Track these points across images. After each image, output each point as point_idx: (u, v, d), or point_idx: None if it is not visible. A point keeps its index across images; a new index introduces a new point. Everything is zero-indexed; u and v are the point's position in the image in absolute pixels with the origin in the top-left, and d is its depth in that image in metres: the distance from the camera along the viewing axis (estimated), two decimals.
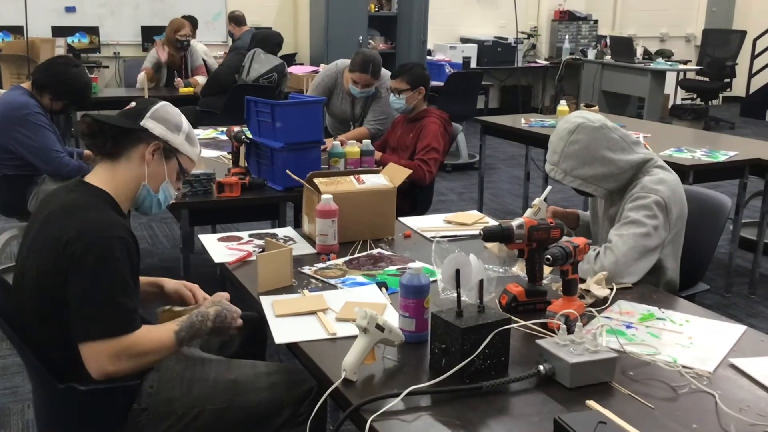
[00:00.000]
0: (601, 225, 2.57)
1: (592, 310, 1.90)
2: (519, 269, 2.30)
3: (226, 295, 2.00)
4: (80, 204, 1.83)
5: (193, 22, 7.39)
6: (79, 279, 1.72)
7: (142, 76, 6.36)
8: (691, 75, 10.33)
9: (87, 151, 3.90)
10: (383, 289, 2.17)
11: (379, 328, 1.66)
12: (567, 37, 10.32)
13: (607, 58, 9.44)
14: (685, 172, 3.83)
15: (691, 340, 1.90)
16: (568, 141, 2.36)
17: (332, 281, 2.24)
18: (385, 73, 4.39)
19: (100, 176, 1.91)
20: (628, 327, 1.96)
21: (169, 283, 2.16)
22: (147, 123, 1.93)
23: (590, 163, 2.35)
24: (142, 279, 2.01)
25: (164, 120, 1.96)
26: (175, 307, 2.09)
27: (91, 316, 1.73)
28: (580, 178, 2.37)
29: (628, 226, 2.30)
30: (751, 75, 10.64)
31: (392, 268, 2.36)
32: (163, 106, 1.99)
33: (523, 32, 10.32)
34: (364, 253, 2.50)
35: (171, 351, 1.85)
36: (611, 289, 2.14)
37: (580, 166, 2.36)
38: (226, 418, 1.90)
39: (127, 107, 2.01)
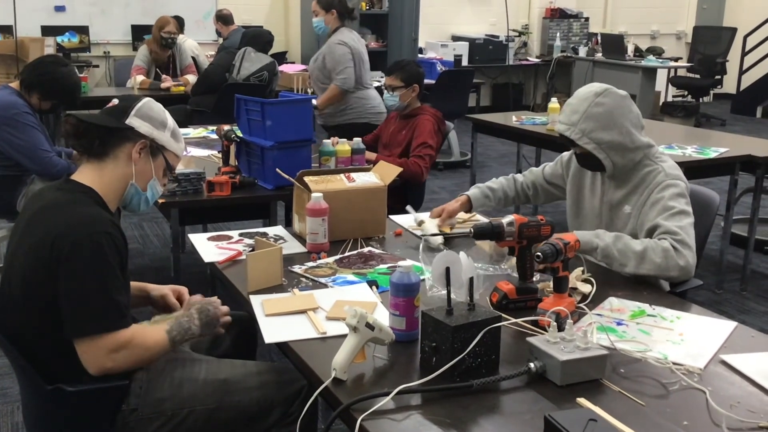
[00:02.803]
0: (599, 211, 2.53)
1: (583, 307, 1.90)
2: (509, 267, 2.29)
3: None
4: (67, 201, 1.81)
5: (179, 21, 7.36)
6: (69, 276, 1.71)
7: (140, 78, 6.27)
8: (681, 72, 10.36)
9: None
10: (373, 287, 2.16)
11: (369, 326, 1.65)
12: (558, 34, 10.33)
13: (598, 55, 9.45)
14: None
15: (682, 336, 1.90)
16: (594, 102, 2.35)
17: (322, 280, 2.23)
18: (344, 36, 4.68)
19: (86, 175, 1.89)
20: (618, 324, 1.96)
21: (155, 290, 2.14)
22: (132, 121, 1.91)
23: (610, 128, 2.34)
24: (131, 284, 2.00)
25: (149, 117, 1.94)
26: (166, 315, 2.07)
27: (86, 312, 1.71)
28: (595, 141, 2.35)
29: (681, 217, 2.27)
30: (741, 72, 10.67)
31: (383, 267, 2.35)
32: (147, 103, 1.96)
33: (514, 30, 10.32)
34: (355, 252, 2.50)
35: (165, 350, 1.85)
36: (592, 285, 2.14)
37: (600, 129, 2.34)
38: (216, 418, 1.88)
39: (109, 105, 1.97)
